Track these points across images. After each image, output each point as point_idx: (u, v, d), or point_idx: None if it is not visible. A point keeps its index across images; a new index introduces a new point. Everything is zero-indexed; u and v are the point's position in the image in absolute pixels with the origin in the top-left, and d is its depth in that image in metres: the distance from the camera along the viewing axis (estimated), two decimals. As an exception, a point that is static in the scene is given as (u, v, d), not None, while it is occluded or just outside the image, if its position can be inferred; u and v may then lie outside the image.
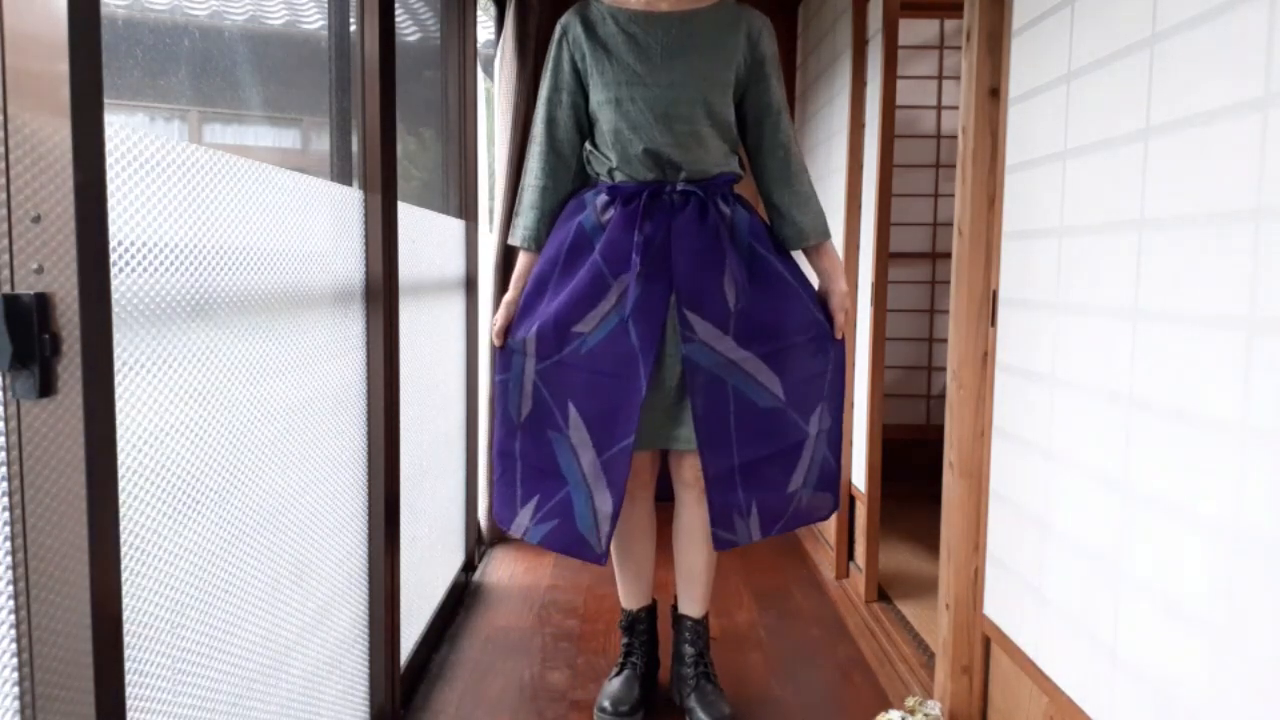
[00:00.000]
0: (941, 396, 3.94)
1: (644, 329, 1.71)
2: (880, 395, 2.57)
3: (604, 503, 1.74)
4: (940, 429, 1.93)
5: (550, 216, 1.86)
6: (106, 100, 0.80)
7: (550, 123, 1.84)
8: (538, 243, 1.86)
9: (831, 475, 1.88)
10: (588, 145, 1.85)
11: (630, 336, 1.71)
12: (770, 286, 1.78)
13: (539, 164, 1.85)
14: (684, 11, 1.80)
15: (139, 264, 0.90)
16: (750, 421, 1.76)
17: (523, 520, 1.81)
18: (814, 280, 1.89)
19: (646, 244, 1.72)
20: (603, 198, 1.80)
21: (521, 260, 1.90)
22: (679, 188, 1.76)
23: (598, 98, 1.79)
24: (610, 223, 1.76)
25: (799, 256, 1.91)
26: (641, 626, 1.99)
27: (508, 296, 1.88)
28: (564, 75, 1.83)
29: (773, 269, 1.78)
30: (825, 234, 1.86)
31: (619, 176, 1.80)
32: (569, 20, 1.83)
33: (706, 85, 1.76)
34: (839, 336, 1.84)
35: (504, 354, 1.83)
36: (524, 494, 1.82)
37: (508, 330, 1.84)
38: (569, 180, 1.87)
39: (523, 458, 1.81)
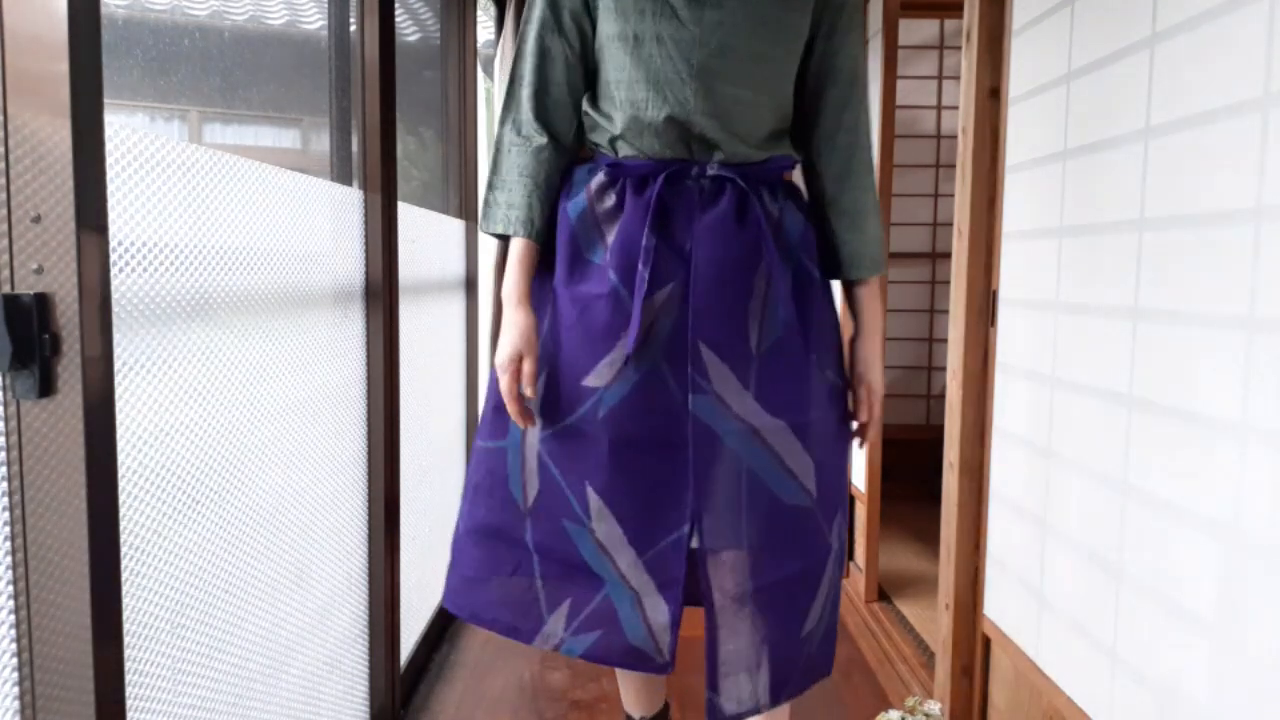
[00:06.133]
0: (941, 396, 3.93)
1: (682, 372, 1.20)
2: (880, 395, 2.57)
3: (658, 611, 1.23)
4: (940, 429, 1.93)
5: (549, 189, 1.27)
6: (106, 100, 0.80)
7: (542, 56, 1.26)
8: (533, 226, 1.25)
9: (835, 620, 1.35)
10: (585, 103, 1.29)
11: (669, 385, 1.20)
12: (813, 326, 1.26)
13: (528, 112, 1.26)
14: None
15: (139, 264, 0.90)
16: (770, 525, 1.22)
17: (554, 629, 1.28)
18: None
19: (664, 249, 1.21)
20: (600, 178, 1.26)
21: (516, 256, 1.26)
22: (711, 171, 1.23)
23: (606, 29, 1.24)
24: (621, 217, 1.23)
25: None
26: None
27: (511, 317, 1.23)
28: None
29: (820, 302, 1.28)
30: (877, 268, 1.32)
31: (625, 150, 1.25)
32: None
33: (769, 31, 1.23)
34: (860, 442, 1.35)
35: (495, 412, 1.28)
36: (549, 596, 1.29)
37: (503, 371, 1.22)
38: (572, 139, 1.30)
39: (539, 550, 1.28)
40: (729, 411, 1.20)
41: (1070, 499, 1.38)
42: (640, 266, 1.19)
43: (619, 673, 1.55)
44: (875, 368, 1.32)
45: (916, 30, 3.80)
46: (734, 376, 1.20)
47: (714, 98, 1.21)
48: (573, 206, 1.27)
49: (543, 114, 1.27)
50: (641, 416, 1.21)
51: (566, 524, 1.26)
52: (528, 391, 1.20)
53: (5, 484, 0.78)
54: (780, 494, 1.22)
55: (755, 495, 1.21)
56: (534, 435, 1.26)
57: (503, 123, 1.29)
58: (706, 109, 1.21)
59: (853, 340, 1.33)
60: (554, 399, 1.24)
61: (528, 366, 1.20)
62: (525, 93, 1.27)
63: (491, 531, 1.30)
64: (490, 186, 1.28)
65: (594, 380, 1.21)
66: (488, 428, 1.30)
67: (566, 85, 1.27)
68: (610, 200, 1.24)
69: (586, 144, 1.32)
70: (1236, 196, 1.00)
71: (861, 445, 1.35)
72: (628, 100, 1.23)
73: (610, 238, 1.24)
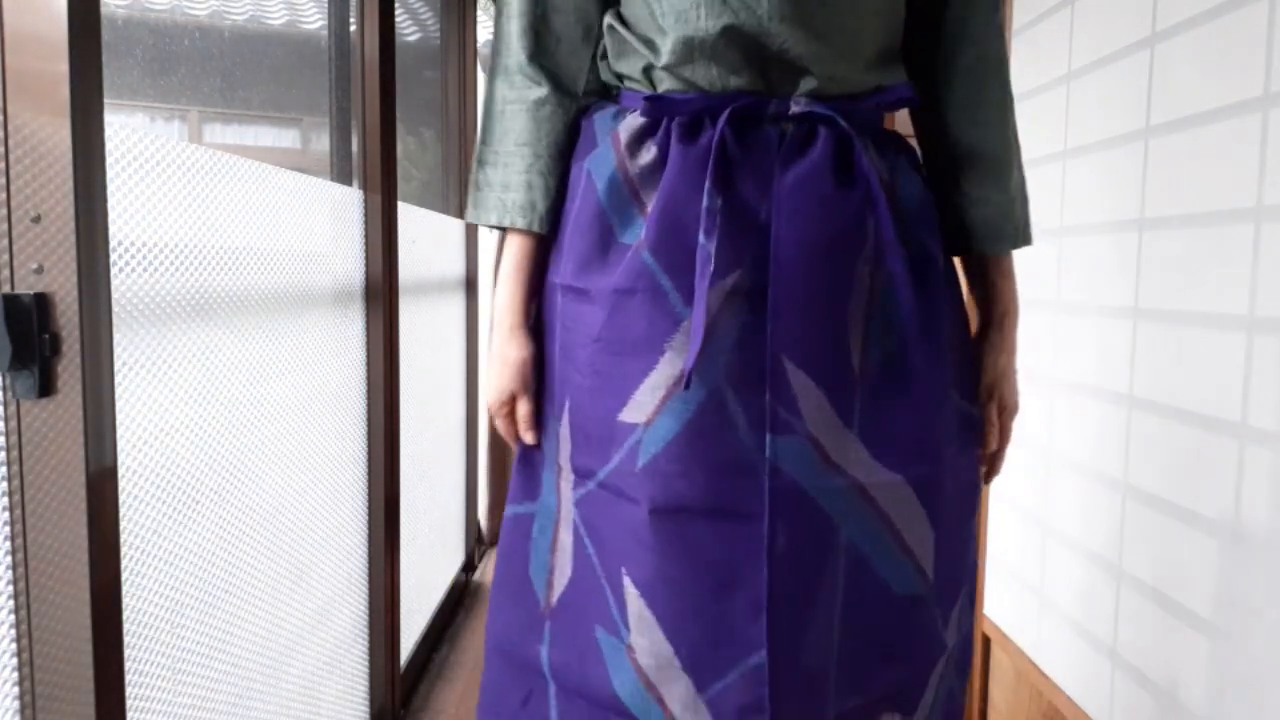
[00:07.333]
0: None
1: (757, 402, 0.82)
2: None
3: None
4: (940, 429, 1.93)
5: (556, 158, 0.91)
6: (106, 100, 0.80)
7: None
8: (535, 211, 0.91)
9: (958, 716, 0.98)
10: (608, 19, 0.91)
11: (738, 422, 0.82)
12: (941, 331, 0.88)
13: (520, 53, 0.90)
14: None
15: (139, 264, 0.90)
16: (873, 626, 0.86)
17: None
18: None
19: (729, 219, 0.82)
20: (631, 121, 0.87)
21: (513, 261, 0.93)
22: (795, 109, 0.84)
23: None
24: (662, 178, 0.84)
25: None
26: None
27: (499, 349, 0.93)
28: None
29: (947, 297, 0.91)
30: (1023, 237, 0.95)
31: (668, 83, 0.87)
32: None
33: None
34: (986, 477, 0.99)
35: (521, 464, 0.96)
36: None
37: (512, 405, 0.95)
38: (585, 85, 0.94)
39: (556, 675, 0.92)
40: (827, 462, 0.82)
41: (1070, 499, 1.38)
42: (703, 238, 0.80)
43: None
44: (1010, 377, 0.96)
45: (916, 30, 3.80)
46: (833, 410, 0.82)
47: None
48: (596, 165, 0.88)
49: (539, 54, 0.90)
50: (697, 469, 0.81)
51: (599, 634, 0.87)
52: (527, 438, 0.93)
53: (5, 484, 0.78)
54: (891, 582, 0.85)
55: (857, 587, 0.84)
56: (567, 495, 0.90)
57: (493, 75, 0.93)
58: (789, 13, 0.82)
59: (978, 340, 0.97)
60: (584, 441, 0.87)
61: (523, 408, 0.92)
62: (514, 27, 0.90)
63: (505, 646, 0.96)
64: (479, 161, 0.93)
65: (632, 414, 0.83)
66: (515, 486, 0.97)
67: (573, 10, 0.91)
68: (650, 154, 0.86)
69: (608, 82, 0.93)
70: (1236, 196, 1.00)
71: (987, 481, 0.99)
72: (671, 11, 0.84)
73: (650, 206, 0.85)
